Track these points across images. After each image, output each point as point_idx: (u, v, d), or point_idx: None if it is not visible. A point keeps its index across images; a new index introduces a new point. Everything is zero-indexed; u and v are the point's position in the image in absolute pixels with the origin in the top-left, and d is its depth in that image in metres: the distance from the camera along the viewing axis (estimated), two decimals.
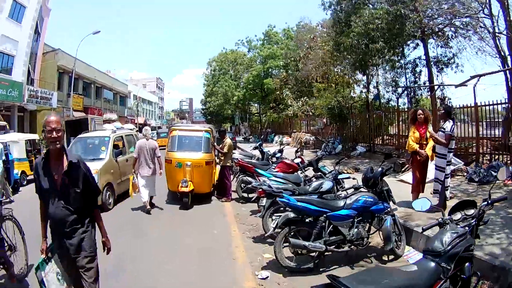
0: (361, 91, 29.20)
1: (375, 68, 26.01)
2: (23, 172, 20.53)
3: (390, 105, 27.90)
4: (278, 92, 49.72)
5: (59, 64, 47.05)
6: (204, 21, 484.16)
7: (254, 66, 61.22)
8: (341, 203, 7.76)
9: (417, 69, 26.29)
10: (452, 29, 22.30)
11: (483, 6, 17.93)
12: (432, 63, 24.11)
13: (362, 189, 8.42)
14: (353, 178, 9.77)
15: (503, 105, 15.89)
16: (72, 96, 48.01)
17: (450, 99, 23.88)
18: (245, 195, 14.63)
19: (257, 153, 19.62)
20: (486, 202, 4.87)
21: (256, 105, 75.23)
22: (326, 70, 35.50)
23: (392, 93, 27.83)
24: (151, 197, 13.58)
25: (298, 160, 14.37)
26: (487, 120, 16.29)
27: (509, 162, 14.18)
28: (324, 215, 7.51)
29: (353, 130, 27.83)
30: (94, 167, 11.89)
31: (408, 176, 13.73)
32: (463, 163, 14.66)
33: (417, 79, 26.41)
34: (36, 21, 39.78)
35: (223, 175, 14.88)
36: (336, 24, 25.86)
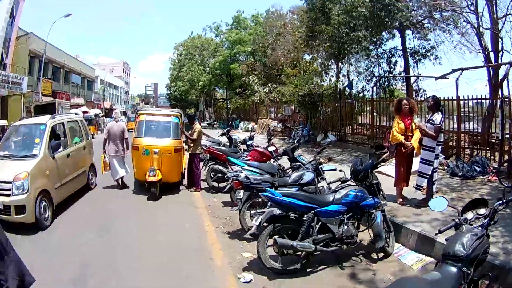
0: (330, 79, 28.04)
1: (347, 57, 25.47)
2: None
3: (364, 94, 28.06)
4: (244, 78, 47.32)
5: (30, 48, 45.46)
6: (172, 5, 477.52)
7: (221, 52, 60.17)
8: (330, 197, 7.09)
9: (393, 59, 26.48)
10: (431, 21, 22.03)
11: (470, 2, 17.66)
12: (408, 54, 24.29)
13: (350, 182, 7.72)
14: (340, 170, 8.85)
15: (484, 100, 15.65)
16: (42, 80, 46.99)
17: (426, 91, 24.23)
18: (215, 184, 13.84)
19: (224, 139, 18.84)
20: (500, 201, 4.55)
21: (221, 91, 75.01)
22: (296, 57, 35.53)
23: (367, 82, 28.04)
24: (121, 177, 14.45)
25: (271, 149, 13.40)
26: (468, 115, 16.12)
27: (492, 157, 13.87)
28: (312, 211, 6.80)
29: (323, 119, 27.06)
30: (23, 169, 9.21)
31: (386, 168, 13.21)
32: (443, 156, 14.21)
33: (391, 69, 26.58)
34: (12, 4, 38.38)
35: (192, 163, 13.81)
36: (311, 10, 24.87)
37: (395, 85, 26.87)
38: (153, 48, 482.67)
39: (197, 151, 13.98)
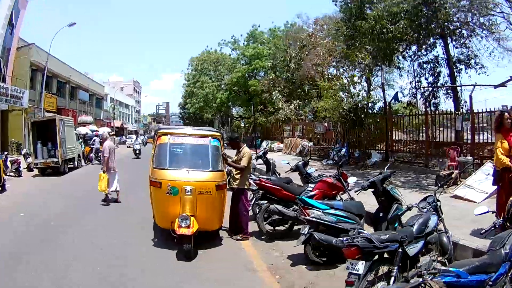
0: (359, 93, 26.72)
1: (381, 66, 24.90)
2: None
3: (411, 108, 26.47)
4: (266, 95, 46.36)
5: (32, 60, 44.03)
6: (185, 24, 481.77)
7: (238, 67, 58.72)
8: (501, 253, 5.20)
9: (437, 69, 24.73)
10: (470, 27, 21.10)
11: None
12: (453, 63, 22.84)
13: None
14: (492, 212, 7.31)
15: None
16: (45, 95, 45.39)
17: (466, 102, 22.19)
18: (268, 227, 10.84)
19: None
20: None
21: (236, 109, 73.70)
22: (321, 71, 33.86)
23: (413, 96, 26.67)
24: (117, 192, 15.63)
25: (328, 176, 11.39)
26: None
27: None
28: None
29: (364, 136, 25.50)
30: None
31: (463, 191, 11.54)
32: None
33: (435, 80, 24.86)
34: (11, 10, 37.03)
35: (239, 203, 10.68)
36: (346, 16, 23.47)
37: (439, 97, 24.69)
38: (164, 67, 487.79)
39: (246, 186, 10.93)
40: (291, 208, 10.29)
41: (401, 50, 21.72)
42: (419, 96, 25.81)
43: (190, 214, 9.32)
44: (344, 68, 30.29)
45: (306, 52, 36.26)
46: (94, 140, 35.17)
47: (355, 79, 27.90)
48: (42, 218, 12.87)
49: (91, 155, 35.32)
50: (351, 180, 11.30)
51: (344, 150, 24.97)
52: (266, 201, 10.89)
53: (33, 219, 12.80)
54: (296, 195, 10.07)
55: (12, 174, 24.10)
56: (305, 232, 7.98)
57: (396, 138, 23.16)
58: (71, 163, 29.07)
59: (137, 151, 39.87)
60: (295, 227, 10.65)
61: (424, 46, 23.17)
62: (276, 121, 46.56)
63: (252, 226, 10.94)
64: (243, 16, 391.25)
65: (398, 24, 18.95)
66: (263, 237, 10.62)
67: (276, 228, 10.95)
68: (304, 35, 39.15)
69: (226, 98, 61.73)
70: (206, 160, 10.39)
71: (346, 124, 26.42)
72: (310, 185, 11.17)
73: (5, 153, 26.59)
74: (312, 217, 8.16)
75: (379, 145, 24.42)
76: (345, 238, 5.93)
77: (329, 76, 33.11)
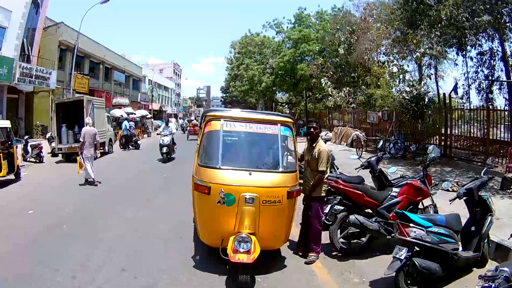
0: (410, 83, 26.32)
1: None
2: None
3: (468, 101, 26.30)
4: (314, 80, 44.78)
5: (61, 40, 43.20)
6: (226, 7, 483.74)
7: (284, 51, 57.62)
8: None
9: (492, 62, 24.32)
10: None
11: None
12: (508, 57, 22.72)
13: None
14: None
15: None
16: (75, 76, 44.89)
17: None
18: (342, 242, 8.96)
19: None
20: None
21: (280, 94, 72.87)
22: (373, 56, 33.96)
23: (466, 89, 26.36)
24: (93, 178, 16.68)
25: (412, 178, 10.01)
26: None
27: None
28: None
29: (421, 128, 24.84)
30: None
31: None
32: None
33: (490, 74, 24.60)
34: None
35: (314, 215, 8.58)
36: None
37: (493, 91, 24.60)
38: (205, 51, 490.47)
39: (323, 193, 8.68)
40: (373, 219, 8.53)
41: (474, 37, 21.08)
42: (473, 89, 25.31)
43: (249, 232, 7.25)
44: (394, 56, 29.35)
45: (356, 37, 35.03)
46: (125, 124, 34.05)
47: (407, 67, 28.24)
48: (52, 219, 11.26)
49: (123, 140, 34.39)
50: (391, 170, 10.62)
51: (399, 142, 24.44)
52: (344, 209, 9.05)
53: (41, 219, 11.24)
54: (379, 202, 8.96)
55: (32, 160, 23.26)
56: (402, 257, 6.60)
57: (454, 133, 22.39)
58: (101, 148, 26.88)
59: (165, 148, 25.18)
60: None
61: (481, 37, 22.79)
62: (325, 108, 46.00)
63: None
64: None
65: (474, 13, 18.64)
66: (334, 253, 8.80)
67: (353, 241, 9.07)
68: (354, 19, 38.12)
69: (272, 82, 60.51)
70: (275, 156, 8.15)
71: (405, 114, 25.66)
72: (394, 189, 9.43)
73: (26, 137, 25.49)
74: (413, 238, 6.80)
75: (433, 139, 23.78)
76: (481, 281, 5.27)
77: (379, 64, 32.87)
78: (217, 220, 7.49)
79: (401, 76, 26.89)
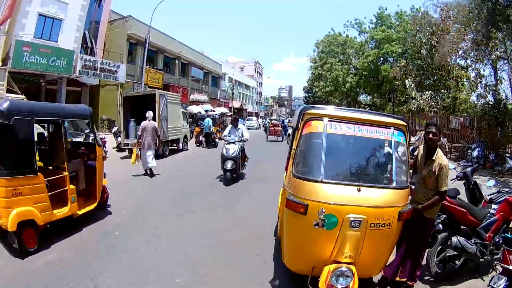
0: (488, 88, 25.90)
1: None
2: None
3: None
4: (398, 82, 44.20)
5: (130, 33, 43.21)
6: (305, 8, 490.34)
7: (367, 51, 57.80)
8: None
9: None
10: None
11: None
12: None
13: None
14: None
15: None
16: (148, 70, 44.62)
17: None
18: (437, 266, 7.56)
19: None
20: None
21: (363, 96, 71.56)
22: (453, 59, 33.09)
23: None
24: (150, 168, 17.57)
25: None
26: None
27: None
28: None
29: (501, 136, 24.27)
30: None
31: None
32: None
33: None
34: None
35: (423, 239, 7.08)
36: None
37: None
38: (286, 52, 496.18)
39: (435, 215, 7.22)
40: (472, 241, 7.58)
41: None
42: None
43: (349, 262, 5.94)
44: (472, 59, 29.25)
45: (436, 39, 33.91)
46: (208, 121, 32.82)
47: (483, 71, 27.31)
48: (105, 224, 10.27)
49: (201, 137, 33.08)
50: (489, 184, 9.35)
51: (478, 150, 23.51)
52: (444, 228, 7.65)
53: (92, 225, 10.11)
54: (479, 221, 7.87)
55: None
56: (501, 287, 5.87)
57: None
58: (174, 145, 27.23)
59: (230, 162, 16.83)
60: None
61: None
62: (408, 111, 45.03)
63: None
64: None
65: None
66: (426, 277, 7.62)
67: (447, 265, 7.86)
68: (434, 20, 36.86)
69: (356, 83, 60.19)
70: (387, 167, 6.67)
71: (486, 121, 24.86)
72: (493, 205, 8.27)
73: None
74: None
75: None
76: None
77: (460, 67, 32.81)
78: (311, 246, 6.11)
79: (479, 81, 26.34)
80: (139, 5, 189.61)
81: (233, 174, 16.99)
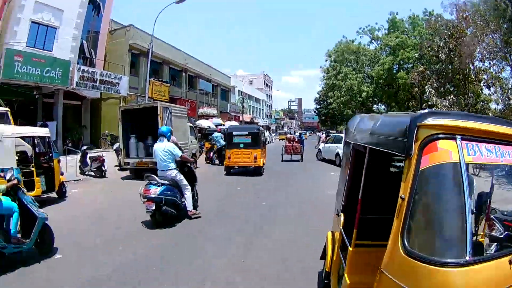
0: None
1: None
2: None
3: None
4: (416, 89, 43.72)
5: (131, 43, 40.67)
6: (316, 19, 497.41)
7: (383, 58, 57.42)
8: None
9: None
10: None
11: None
12: None
13: None
14: None
15: None
16: (153, 82, 41.91)
17: None
18: None
19: None
20: None
21: (377, 105, 69.75)
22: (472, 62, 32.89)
23: None
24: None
25: None
26: None
27: None
28: None
29: None
30: None
31: None
32: None
33: None
34: None
35: None
36: None
37: None
38: (295, 64, 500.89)
39: None
40: None
41: None
42: None
43: None
44: (490, 62, 29.65)
45: (454, 42, 33.58)
46: (219, 135, 30.23)
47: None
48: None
49: (211, 153, 30.69)
50: None
51: None
52: None
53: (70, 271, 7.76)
54: None
55: (92, 173, 20.96)
56: None
57: None
58: None
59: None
60: None
61: None
62: None
63: None
64: (375, 5, 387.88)
65: None
66: None
67: None
68: (451, 23, 36.26)
69: (372, 91, 59.76)
70: None
71: None
72: None
73: (85, 147, 23.67)
74: None
75: None
76: None
77: (480, 70, 32.56)
78: None
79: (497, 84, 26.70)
80: (141, 14, 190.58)
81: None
